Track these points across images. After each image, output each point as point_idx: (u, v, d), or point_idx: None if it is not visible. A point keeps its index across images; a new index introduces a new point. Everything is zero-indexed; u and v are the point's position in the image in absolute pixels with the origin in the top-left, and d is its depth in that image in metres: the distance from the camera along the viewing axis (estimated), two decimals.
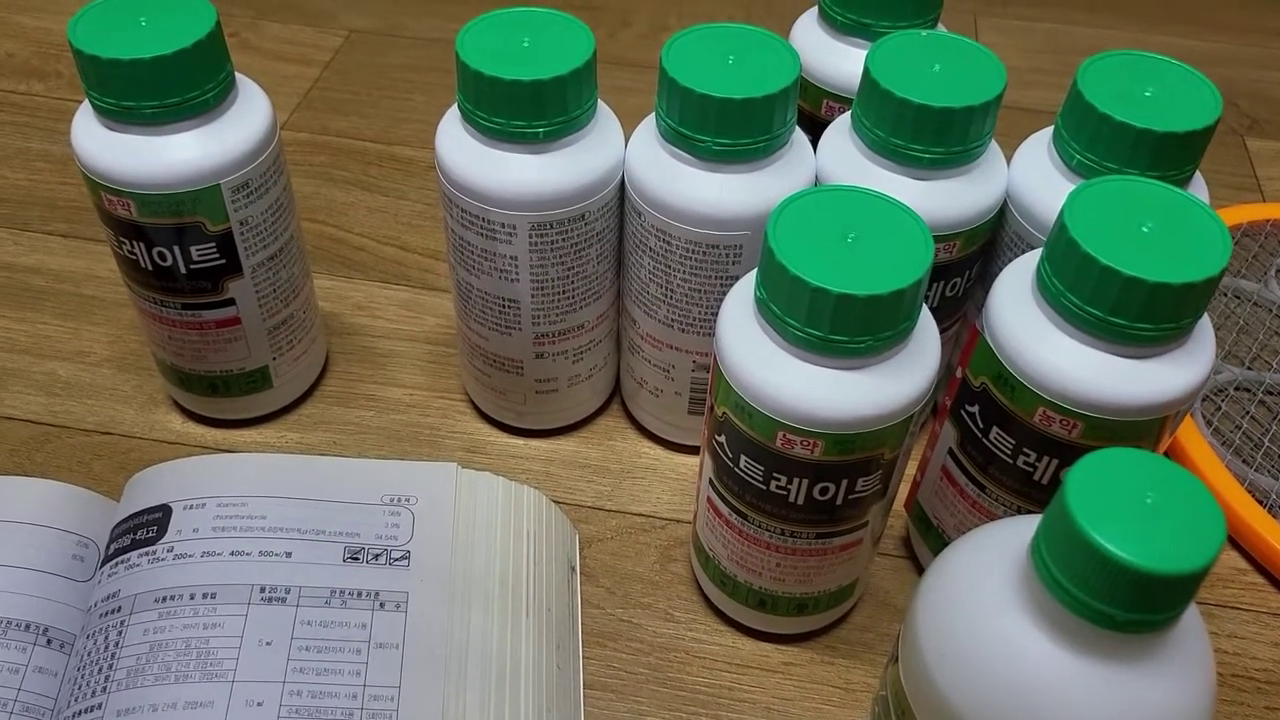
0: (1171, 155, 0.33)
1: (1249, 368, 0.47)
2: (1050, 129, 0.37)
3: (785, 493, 0.32)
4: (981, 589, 0.24)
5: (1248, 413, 0.45)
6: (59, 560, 0.35)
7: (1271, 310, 0.49)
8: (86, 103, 0.36)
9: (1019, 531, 0.24)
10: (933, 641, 0.24)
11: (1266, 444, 0.43)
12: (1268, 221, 0.53)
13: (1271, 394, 0.46)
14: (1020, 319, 0.31)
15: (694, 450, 0.43)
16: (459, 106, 0.36)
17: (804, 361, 0.29)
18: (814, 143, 0.37)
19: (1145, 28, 0.69)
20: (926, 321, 0.31)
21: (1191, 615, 0.23)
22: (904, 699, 0.26)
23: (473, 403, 0.45)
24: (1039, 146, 0.37)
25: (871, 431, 0.30)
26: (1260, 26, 0.70)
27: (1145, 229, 0.29)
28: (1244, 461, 0.43)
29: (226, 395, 0.42)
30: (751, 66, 0.34)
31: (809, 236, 0.29)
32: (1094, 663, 0.22)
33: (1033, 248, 0.36)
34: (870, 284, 0.28)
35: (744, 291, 0.31)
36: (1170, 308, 0.28)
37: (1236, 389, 0.46)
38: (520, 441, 0.44)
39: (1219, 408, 0.45)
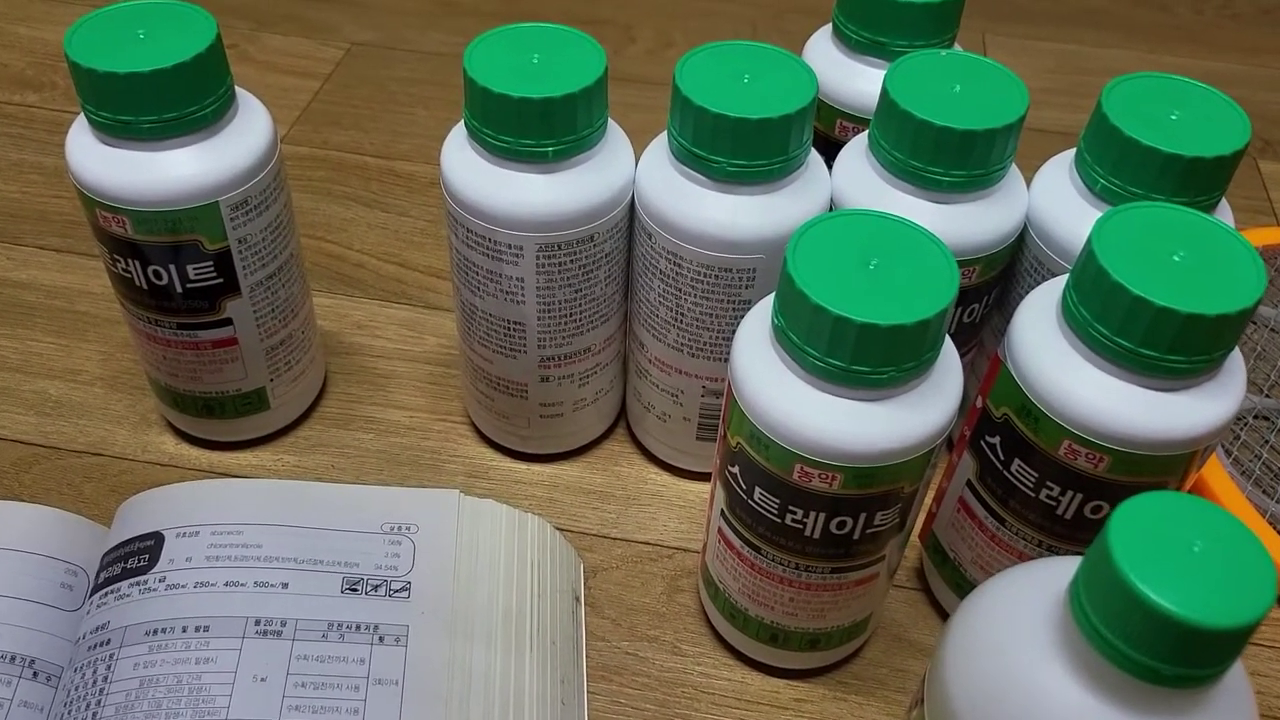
0: (1199, 181, 0.32)
1: (1267, 395, 0.46)
2: (1071, 151, 0.36)
3: (801, 526, 0.31)
4: (1016, 637, 0.23)
5: (1267, 442, 0.44)
6: (47, 589, 0.34)
7: None
8: (82, 116, 0.35)
9: (1054, 575, 0.23)
10: (963, 691, 0.23)
11: None
12: None
13: None
14: (1045, 349, 0.30)
15: (702, 477, 0.42)
16: (465, 124, 0.35)
17: (823, 392, 0.28)
18: (827, 163, 0.36)
19: (1154, 48, 0.69)
20: (949, 351, 0.30)
21: (1235, 668, 0.22)
22: None
23: (474, 426, 0.43)
24: (1060, 170, 0.36)
25: (892, 465, 0.29)
26: (1271, 47, 0.69)
27: (1177, 258, 0.28)
28: (1264, 492, 0.42)
29: (222, 417, 0.41)
30: (767, 86, 0.33)
31: (829, 263, 0.28)
32: (1135, 717, 0.21)
33: (1053, 274, 0.35)
34: (894, 313, 0.26)
35: (760, 317, 0.30)
36: (1204, 340, 0.27)
37: (1255, 417, 0.45)
38: (523, 466, 0.43)
39: (1238, 436, 0.44)
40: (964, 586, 0.36)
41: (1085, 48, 0.68)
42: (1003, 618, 0.23)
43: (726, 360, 0.37)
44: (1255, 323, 0.49)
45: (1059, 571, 0.23)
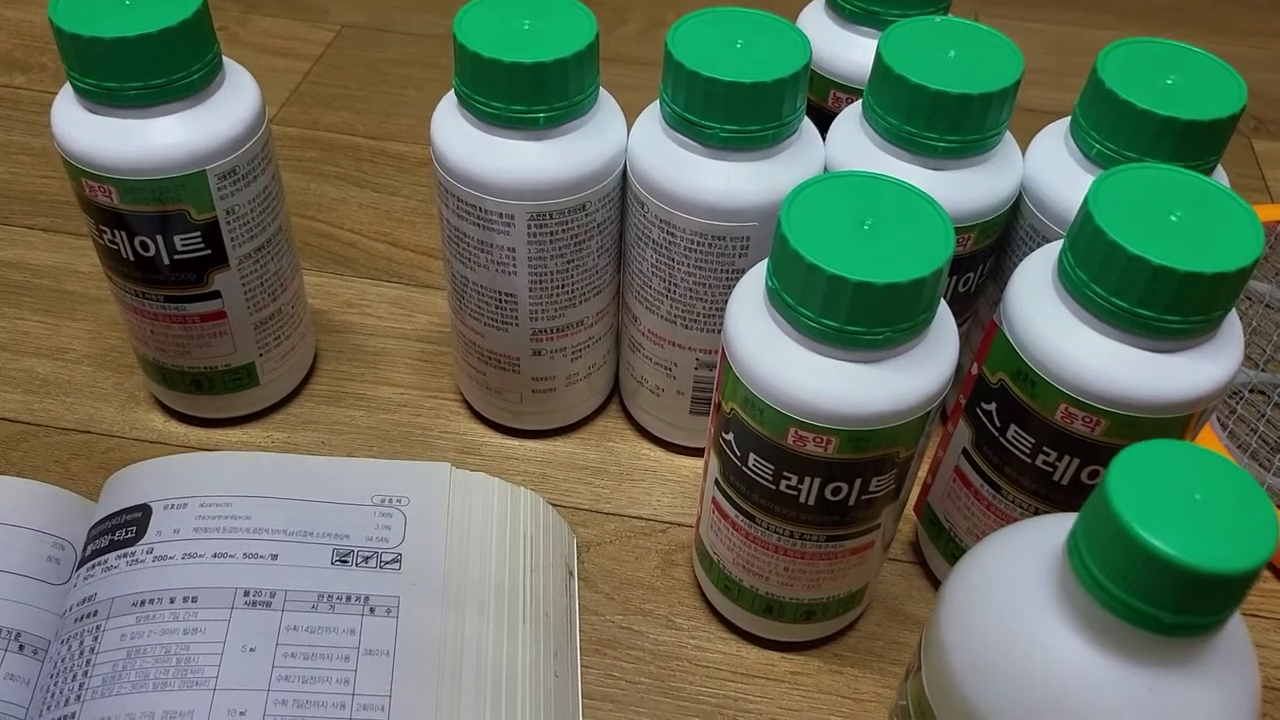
0: (1195, 145, 0.32)
1: (1262, 370, 0.45)
2: (1065, 120, 0.36)
3: (796, 493, 0.30)
4: (1013, 593, 0.22)
5: (1263, 416, 0.44)
6: (33, 562, 0.33)
7: None
8: (68, 85, 0.34)
9: (1050, 531, 0.23)
10: (960, 651, 0.23)
11: None
12: (1277, 223, 0.52)
13: None
14: (1041, 312, 0.30)
15: (695, 452, 0.42)
16: (455, 91, 0.34)
17: (818, 354, 0.28)
18: (820, 135, 0.36)
19: (1147, 29, 0.68)
20: (944, 314, 0.30)
21: (1235, 619, 0.22)
22: (929, 710, 0.24)
23: (466, 402, 0.43)
24: (1055, 137, 0.36)
25: (887, 428, 0.28)
26: (1264, 29, 0.69)
27: (1174, 218, 0.28)
28: (1261, 465, 0.42)
29: (211, 393, 0.40)
30: (761, 50, 0.33)
31: (824, 224, 0.27)
32: (1136, 669, 0.21)
33: (1048, 241, 0.35)
34: (889, 272, 0.26)
35: (754, 282, 0.30)
36: (1201, 299, 0.27)
37: (1251, 391, 0.45)
38: (515, 442, 0.42)
39: (1234, 410, 0.44)
40: (959, 557, 0.36)
41: (1078, 29, 0.68)
42: (1000, 576, 0.23)
43: (720, 332, 0.37)
44: (1250, 298, 0.49)
45: (1055, 528, 0.23)
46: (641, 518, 0.40)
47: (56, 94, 0.35)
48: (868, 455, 0.29)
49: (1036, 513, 0.33)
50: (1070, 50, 0.66)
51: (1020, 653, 0.22)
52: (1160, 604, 0.20)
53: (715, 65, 0.32)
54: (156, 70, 0.33)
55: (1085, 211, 0.28)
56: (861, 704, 0.35)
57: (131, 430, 0.42)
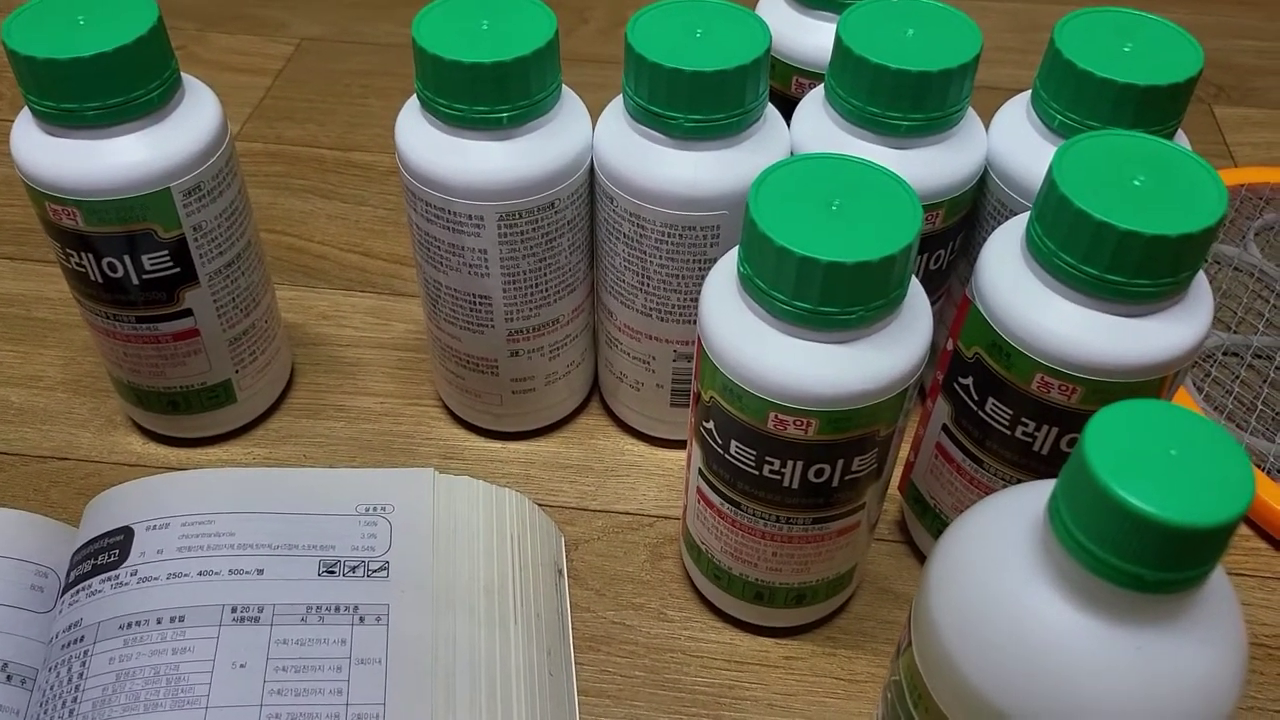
0: (1155, 110, 0.32)
1: (1235, 332, 0.46)
2: (1026, 94, 0.36)
3: (779, 477, 0.30)
4: (997, 561, 0.22)
5: (1238, 377, 0.44)
6: (16, 591, 0.33)
7: (1252, 274, 0.49)
8: (25, 110, 0.34)
9: (1031, 497, 0.23)
10: (949, 621, 0.23)
11: (1260, 407, 0.43)
12: (1241, 186, 0.52)
13: (1260, 357, 0.45)
14: (1012, 284, 0.30)
15: (678, 445, 0.42)
16: (418, 95, 0.34)
17: (793, 337, 0.28)
18: (786, 120, 0.36)
19: (1104, 4, 0.69)
20: (917, 291, 0.30)
21: (1218, 575, 0.22)
22: (920, 683, 0.24)
23: (447, 407, 0.43)
24: (1017, 111, 0.36)
25: (866, 407, 0.28)
26: None
27: (1137, 182, 0.28)
28: (1238, 426, 0.42)
29: (188, 412, 0.40)
30: (721, 39, 0.33)
31: (792, 206, 0.28)
32: (1121, 628, 0.21)
33: (1016, 215, 0.35)
34: (859, 251, 0.26)
35: (726, 269, 0.30)
36: (1168, 261, 0.27)
37: (1225, 354, 0.45)
38: (498, 445, 0.42)
39: (1208, 373, 0.44)
40: None
41: (1034, 5, 0.69)
42: (984, 544, 0.23)
43: (696, 322, 0.37)
44: (1219, 262, 0.49)
45: (1035, 494, 0.23)
46: (628, 513, 0.40)
47: (12, 121, 0.35)
48: (848, 435, 0.29)
49: (1018, 484, 0.33)
50: (1028, 27, 0.66)
51: (1007, 619, 0.22)
52: (1141, 561, 0.20)
53: (676, 56, 0.32)
54: (114, 89, 0.32)
55: (1050, 181, 0.28)
56: (857, 684, 0.35)
57: (110, 455, 0.41)
